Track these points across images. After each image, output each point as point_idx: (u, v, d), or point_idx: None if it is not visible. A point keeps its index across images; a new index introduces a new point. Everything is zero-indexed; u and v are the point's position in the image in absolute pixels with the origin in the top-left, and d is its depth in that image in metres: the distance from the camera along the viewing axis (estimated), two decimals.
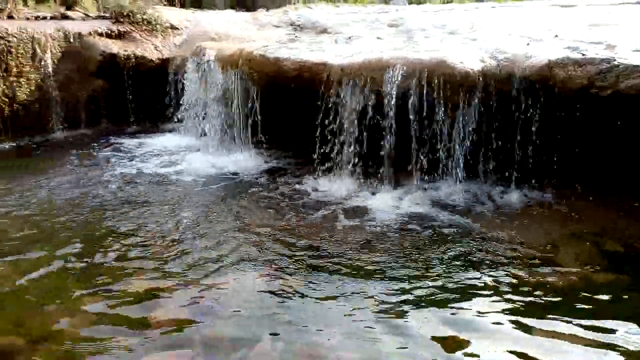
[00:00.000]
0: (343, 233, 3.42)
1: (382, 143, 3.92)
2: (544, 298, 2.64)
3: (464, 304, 2.59)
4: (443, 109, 3.75)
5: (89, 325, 2.47)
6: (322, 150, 4.24)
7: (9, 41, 5.37)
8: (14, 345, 2.28)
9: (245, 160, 4.86)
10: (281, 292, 2.74)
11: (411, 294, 2.69)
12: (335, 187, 4.11)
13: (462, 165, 3.97)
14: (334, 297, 2.68)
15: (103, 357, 2.26)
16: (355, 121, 3.99)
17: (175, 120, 6.02)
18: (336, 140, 4.16)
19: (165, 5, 8.91)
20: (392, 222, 3.57)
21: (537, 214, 3.64)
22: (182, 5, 13.14)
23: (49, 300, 2.68)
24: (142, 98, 6.40)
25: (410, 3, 12.38)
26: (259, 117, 4.71)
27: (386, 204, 3.83)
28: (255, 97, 4.60)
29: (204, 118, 5.32)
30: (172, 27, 6.80)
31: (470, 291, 2.71)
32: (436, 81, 3.66)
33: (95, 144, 5.62)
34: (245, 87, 4.65)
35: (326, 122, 4.12)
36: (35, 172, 4.66)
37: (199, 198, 4.11)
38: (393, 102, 3.73)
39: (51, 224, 3.57)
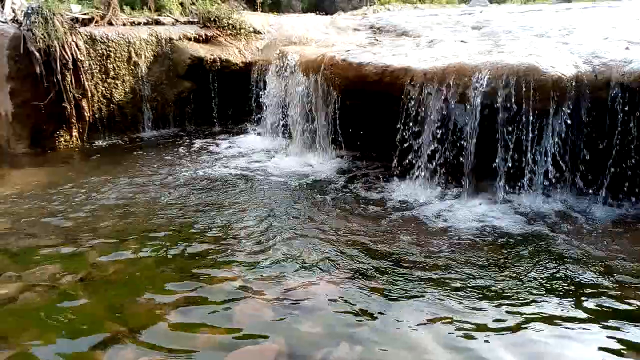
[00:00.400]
0: (421, 240, 3.39)
1: (464, 150, 3.83)
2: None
3: (544, 328, 2.48)
4: (531, 116, 3.60)
5: (180, 315, 2.62)
6: (401, 155, 4.22)
7: (108, 46, 5.79)
8: (116, 332, 2.46)
9: (324, 163, 4.94)
10: (360, 296, 2.76)
11: (488, 312, 2.61)
12: (414, 192, 4.08)
13: (548, 175, 3.79)
14: (413, 306, 2.67)
15: (193, 346, 2.39)
16: (437, 127, 3.94)
17: (257, 122, 6.23)
18: (416, 146, 4.12)
19: (244, 9, 9.22)
20: (471, 231, 3.48)
21: (630, 230, 3.41)
22: (262, 10, 13.50)
23: (144, 289, 2.86)
24: (225, 100, 6.68)
25: (490, 3, 11.98)
26: (338, 120, 4.76)
27: (466, 212, 3.75)
28: (335, 101, 4.65)
29: (284, 120, 5.45)
30: (255, 32, 7.03)
31: (554, 314, 2.58)
32: (525, 87, 3.52)
33: (181, 144, 5.92)
34: (326, 91, 4.72)
35: (406, 126, 4.10)
36: (127, 169, 4.99)
37: (280, 198, 4.23)
38: (478, 108, 3.63)
39: (142, 218, 3.81)
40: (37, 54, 5.07)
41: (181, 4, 16.37)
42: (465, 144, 3.80)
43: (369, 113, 4.54)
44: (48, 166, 5.07)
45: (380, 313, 2.61)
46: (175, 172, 4.87)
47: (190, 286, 2.89)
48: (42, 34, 5.09)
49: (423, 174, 4.11)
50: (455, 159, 3.91)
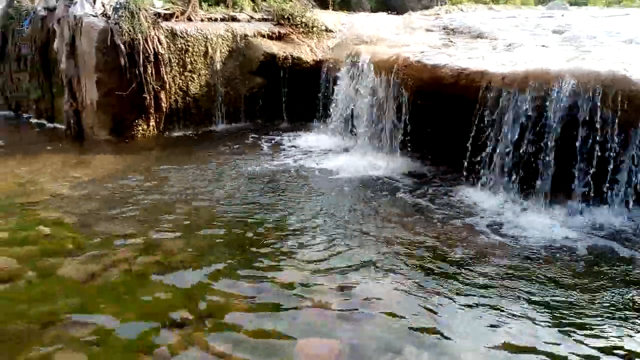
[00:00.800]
0: (488, 249, 3.30)
1: (540, 158, 3.69)
2: None
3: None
4: (616, 128, 3.41)
5: (247, 305, 2.71)
6: (472, 160, 4.13)
7: (187, 41, 6.03)
8: (186, 319, 2.58)
9: (391, 164, 4.90)
10: (425, 300, 2.74)
11: (549, 327, 2.50)
12: (484, 199, 3.98)
13: (631, 190, 3.58)
14: (478, 314, 2.62)
15: (261, 335, 2.46)
16: (513, 133, 3.81)
17: (324, 119, 6.28)
18: (489, 151, 4.01)
19: (313, 6, 9.26)
20: (543, 244, 3.36)
21: None
22: (332, 8, 13.55)
23: (213, 277, 2.98)
24: (294, 97, 6.77)
25: (570, 5, 11.43)
26: (408, 122, 4.72)
27: (538, 223, 3.61)
28: (407, 102, 4.61)
29: (353, 119, 5.46)
30: (327, 30, 7.08)
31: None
32: (611, 98, 3.34)
33: (251, 138, 6.07)
34: (397, 92, 4.69)
35: (480, 131, 4.00)
36: (199, 160, 5.18)
37: (345, 197, 4.25)
38: (559, 116, 3.49)
39: (211, 209, 3.95)
40: (123, 47, 5.36)
41: (253, 0, 16.74)
42: (542, 152, 3.66)
43: (440, 115, 4.47)
44: (127, 153, 5.36)
45: (446, 319, 2.57)
46: (243, 166, 5.00)
47: (257, 278, 2.97)
48: (128, 28, 5.38)
49: (494, 181, 3.99)
50: (530, 168, 3.77)
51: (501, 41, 5.49)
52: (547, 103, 3.56)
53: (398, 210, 3.93)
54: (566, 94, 3.46)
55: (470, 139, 4.07)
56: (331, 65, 6.40)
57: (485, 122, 3.93)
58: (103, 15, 5.57)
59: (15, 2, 6.59)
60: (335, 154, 5.38)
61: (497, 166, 3.95)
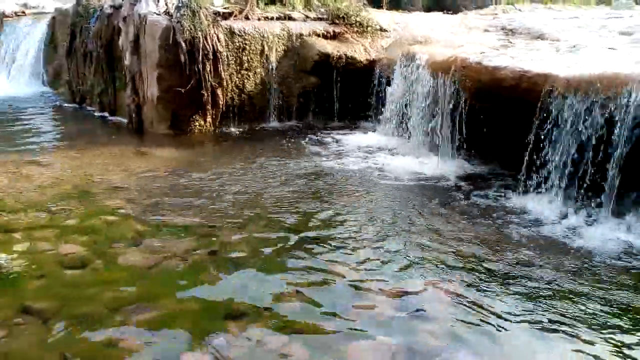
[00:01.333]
0: (545, 258, 3.20)
1: (607, 166, 3.54)
2: None
3: None
4: None
5: (301, 301, 2.74)
6: (530, 165, 4.01)
7: (245, 39, 6.16)
8: (242, 311, 2.64)
9: (444, 166, 4.84)
10: (479, 306, 2.69)
11: (611, 344, 2.41)
12: (543, 206, 3.86)
13: None
14: (534, 324, 2.55)
15: (315, 331, 2.50)
16: (576, 139, 3.68)
17: (376, 119, 6.26)
18: (549, 156, 3.89)
19: (364, 5, 9.21)
20: (608, 257, 3.22)
21: None
22: (384, 7, 13.47)
23: (267, 271, 3.04)
24: (347, 96, 6.78)
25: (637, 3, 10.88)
26: (464, 123, 4.64)
27: (603, 235, 3.46)
28: (463, 104, 4.54)
29: (405, 119, 5.43)
30: (381, 30, 7.04)
31: None
32: None
33: (303, 136, 6.13)
34: (454, 93, 4.62)
35: (541, 136, 3.88)
36: (253, 156, 5.28)
37: (396, 198, 4.24)
38: (629, 122, 3.34)
39: (263, 204, 4.01)
40: (184, 45, 5.54)
41: None
42: (608, 160, 3.51)
43: (499, 118, 4.36)
44: (184, 148, 5.53)
45: (502, 326, 2.53)
46: (295, 164, 5.06)
47: (310, 275, 3.01)
48: (189, 26, 5.55)
49: (554, 187, 3.87)
50: (595, 175, 3.63)
51: (564, 42, 5.31)
52: (616, 109, 3.42)
53: (453, 214, 3.87)
54: (637, 99, 3.30)
55: (530, 144, 3.95)
56: (385, 65, 6.38)
57: (547, 126, 3.81)
58: (166, 14, 5.76)
59: (84, 0, 6.91)
60: (387, 154, 5.36)
61: (558, 172, 3.82)
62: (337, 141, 5.94)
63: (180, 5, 5.64)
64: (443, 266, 3.10)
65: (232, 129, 6.34)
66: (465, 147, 4.78)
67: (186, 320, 2.56)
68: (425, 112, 5.06)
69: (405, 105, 5.50)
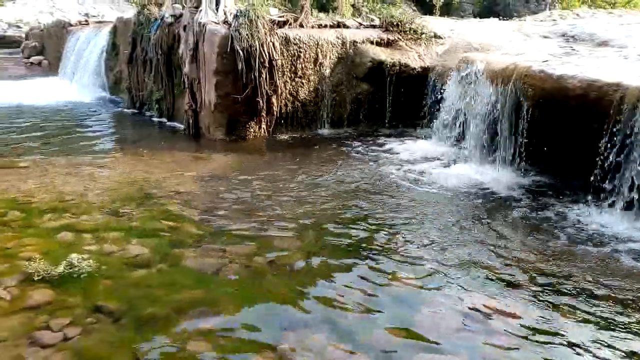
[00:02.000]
0: (617, 277, 3.06)
1: None
2: None
3: None
4: None
5: (362, 311, 2.73)
6: (597, 177, 3.85)
7: (299, 47, 6.22)
8: (303, 319, 2.65)
9: (502, 176, 4.72)
10: (546, 322, 2.61)
11: None
12: (613, 221, 3.70)
13: None
14: (607, 345, 2.44)
15: (379, 341, 2.48)
16: None
17: (429, 127, 6.18)
18: (620, 169, 3.72)
19: (413, 11, 9.13)
20: None
21: None
22: (433, 13, 13.34)
23: (326, 278, 3.04)
24: (399, 103, 6.73)
25: None
26: (524, 133, 4.51)
27: None
28: (525, 113, 4.41)
29: (460, 128, 5.33)
30: (436, 37, 6.96)
31: None
32: None
33: (355, 143, 6.12)
34: (515, 101, 4.50)
35: (610, 147, 3.72)
36: (305, 162, 5.31)
37: (453, 208, 4.15)
38: None
39: (317, 210, 4.02)
40: (241, 53, 5.64)
41: (353, 5, 16.91)
42: None
43: (563, 128, 4.22)
44: (239, 154, 5.62)
45: (576, 345, 2.43)
46: (347, 170, 5.05)
47: (368, 284, 2.99)
48: (247, 35, 5.65)
49: (624, 201, 3.69)
50: None
51: (632, 49, 5.08)
52: None
53: (509, 227, 3.76)
54: None
55: (600, 154, 3.79)
56: (439, 73, 6.30)
57: (618, 138, 3.65)
58: (224, 23, 5.90)
59: (145, 10, 7.18)
60: (441, 163, 5.27)
61: (629, 184, 3.64)
62: (389, 148, 5.89)
63: (238, 14, 5.76)
64: (504, 280, 3.02)
65: (285, 136, 6.40)
66: (525, 157, 4.63)
67: (249, 326, 2.59)
68: (482, 120, 4.94)
69: (461, 114, 5.40)
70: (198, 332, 2.50)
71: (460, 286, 2.96)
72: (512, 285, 2.98)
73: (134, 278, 2.99)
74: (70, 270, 2.92)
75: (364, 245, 3.48)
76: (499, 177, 4.75)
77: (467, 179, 4.78)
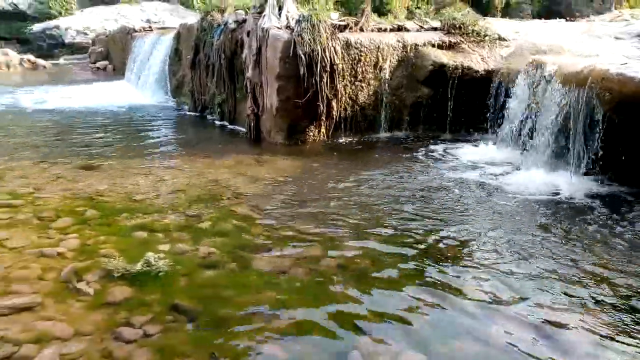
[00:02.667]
0: None
1: None
2: None
3: None
4: None
5: (431, 319, 2.68)
6: None
7: (360, 51, 6.21)
8: (375, 325, 2.63)
9: (574, 184, 4.52)
10: (623, 346, 2.46)
11: None
12: None
13: None
14: None
15: (450, 352, 2.42)
16: None
17: (493, 131, 6.01)
18: None
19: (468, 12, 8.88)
20: None
21: None
22: (493, 15, 13.02)
23: (392, 287, 3.00)
24: (460, 107, 6.59)
25: None
26: (600, 139, 4.30)
27: None
28: (601, 118, 4.20)
29: (530, 133, 5.14)
30: (500, 39, 6.77)
31: None
32: None
33: (415, 147, 6.04)
34: (590, 107, 4.30)
35: None
36: (364, 166, 5.27)
37: (520, 216, 4.01)
38: None
39: (378, 215, 3.99)
40: (303, 57, 5.69)
41: (407, 8, 16.72)
42: None
43: None
44: (299, 157, 5.67)
45: None
46: (410, 176, 4.98)
47: (437, 292, 2.94)
48: (309, 39, 5.70)
49: None
50: None
51: None
52: None
53: (589, 239, 3.58)
54: None
55: None
56: (505, 76, 6.11)
57: None
58: (287, 28, 5.97)
59: (209, 16, 7.38)
60: (506, 170, 5.11)
61: None
62: (451, 153, 5.78)
63: (301, 19, 5.82)
64: (576, 296, 2.88)
65: (344, 139, 6.40)
66: (601, 164, 4.42)
67: (321, 329, 2.60)
68: (553, 125, 4.75)
69: (529, 118, 5.21)
70: (271, 335, 2.52)
71: (534, 300, 2.84)
72: (589, 301, 2.84)
73: (206, 278, 3.06)
74: (148, 269, 3.02)
75: (430, 252, 3.42)
76: (571, 185, 4.55)
77: (537, 186, 4.61)
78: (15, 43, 19.19)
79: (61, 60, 17.67)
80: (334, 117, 6.17)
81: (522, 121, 5.31)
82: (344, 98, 6.23)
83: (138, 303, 2.74)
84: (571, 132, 4.56)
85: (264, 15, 6.06)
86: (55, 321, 2.55)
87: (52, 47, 18.54)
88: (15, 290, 2.85)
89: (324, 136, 6.25)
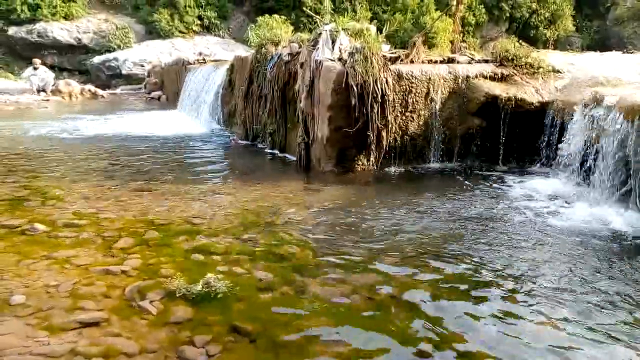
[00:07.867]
0: None
1: None
2: None
3: None
4: None
5: (488, 350, 2.60)
6: None
7: (411, 82, 6.26)
8: (428, 352, 2.58)
9: (636, 219, 4.34)
10: None
11: None
12: None
13: None
14: None
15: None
16: None
17: (547, 164, 5.89)
18: None
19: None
20: None
21: None
22: (546, 47, 12.85)
23: (448, 315, 2.94)
24: (512, 139, 6.51)
25: None
26: None
27: None
28: None
29: (589, 167, 5.01)
30: (554, 71, 6.69)
31: None
32: None
33: (465, 178, 5.98)
34: None
35: None
36: (414, 196, 5.24)
37: (579, 250, 3.88)
38: None
39: (429, 247, 3.93)
40: (355, 88, 5.79)
41: (451, 42, 16.83)
42: None
43: None
44: (349, 186, 5.70)
45: None
46: (461, 207, 4.91)
47: (490, 322, 2.87)
48: (361, 71, 5.80)
49: None
50: None
51: None
52: None
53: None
54: None
55: None
56: (560, 108, 6.02)
57: None
58: (339, 60, 6.11)
59: (263, 49, 7.64)
60: (565, 203, 4.97)
61: None
62: (503, 184, 5.68)
63: (353, 51, 5.95)
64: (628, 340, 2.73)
65: (392, 169, 6.41)
66: None
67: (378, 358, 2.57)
68: (613, 159, 4.62)
69: (587, 151, 5.09)
70: None
71: (596, 339, 2.72)
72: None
73: (263, 301, 3.09)
74: (208, 290, 3.08)
75: (487, 285, 3.34)
76: (633, 220, 4.37)
77: (595, 220, 4.46)
78: (77, 74, 20.40)
79: (118, 90, 18.62)
80: (384, 146, 6.20)
81: (579, 154, 5.18)
82: (394, 128, 6.27)
83: (199, 323, 2.79)
84: (632, 166, 4.41)
85: (318, 48, 6.22)
86: (122, 337, 2.63)
87: (110, 77, 19.59)
88: (82, 306, 2.96)
89: (372, 165, 6.28)
